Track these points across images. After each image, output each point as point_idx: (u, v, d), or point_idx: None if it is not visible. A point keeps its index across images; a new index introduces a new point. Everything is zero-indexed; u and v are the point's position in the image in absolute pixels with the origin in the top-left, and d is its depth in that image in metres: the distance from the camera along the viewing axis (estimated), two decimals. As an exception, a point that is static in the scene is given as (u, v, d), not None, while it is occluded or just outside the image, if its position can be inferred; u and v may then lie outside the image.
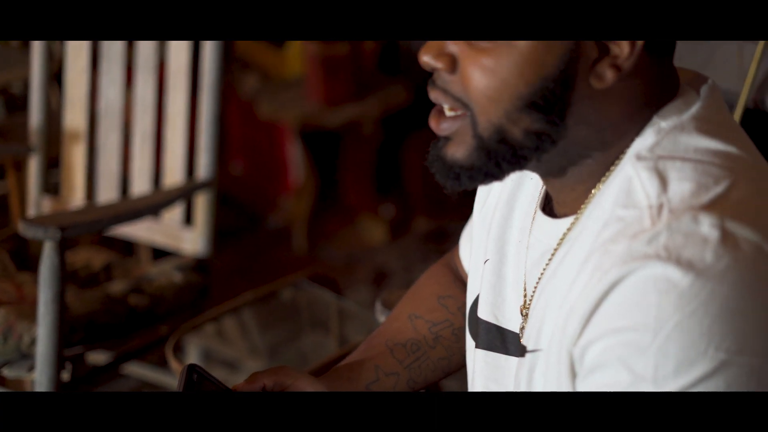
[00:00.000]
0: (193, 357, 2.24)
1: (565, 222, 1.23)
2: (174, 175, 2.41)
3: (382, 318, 1.79)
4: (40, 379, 2.04)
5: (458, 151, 1.18)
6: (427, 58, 1.18)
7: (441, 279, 1.59)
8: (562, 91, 1.14)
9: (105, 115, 2.49)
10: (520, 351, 1.27)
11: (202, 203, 2.39)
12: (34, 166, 2.58)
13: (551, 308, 1.19)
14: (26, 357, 2.10)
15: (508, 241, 1.35)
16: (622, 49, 1.13)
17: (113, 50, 2.46)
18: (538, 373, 1.20)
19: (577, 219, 1.21)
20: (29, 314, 2.12)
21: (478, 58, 1.15)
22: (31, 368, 2.09)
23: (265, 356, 2.11)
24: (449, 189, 1.21)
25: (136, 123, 2.46)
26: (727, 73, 1.93)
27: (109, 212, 2.17)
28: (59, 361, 2.04)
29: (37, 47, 2.54)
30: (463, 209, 3.93)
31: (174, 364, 2.06)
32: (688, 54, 1.99)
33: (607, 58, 1.14)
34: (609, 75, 1.14)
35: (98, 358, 2.25)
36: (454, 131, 1.18)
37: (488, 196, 1.44)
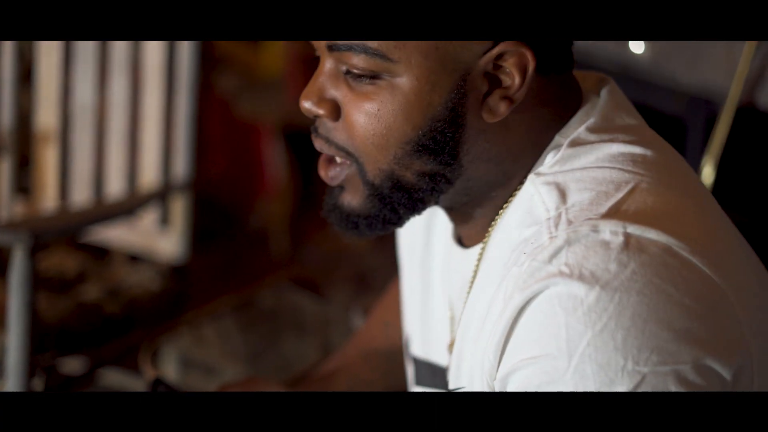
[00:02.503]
0: (170, 364, 2.17)
1: (474, 251, 1.16)
2: (150, 175, 2.34)
3: (359, 322, 1.74)
4: (10, 388, 1.96)
5: (354, 200, 1.13)
6: (308, 105, 1.11)
7: None
8: (453, 130, 1.07)
9: (79, 114, 2.42)
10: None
11: (179, 206, 2.32)
12: (5, 168, 2.50)
13: (468, 342, 1.12)
14: (-6, 365, 2.04)
15: (431, 270, 1.28)
16: (513, 79, 1.06)
17: (86, 48, 2.39)
18: None
19: (484, 247, 1.14)
20: (2, 321, 2.05)
21: (361, 103, 1.07)
22: (1, 377, 2.02)
23: (244, 362, 2.04)
24: (349, 238, 1.17)
25: (111, 122, 2.39)
26: (716, 70, 1.90)
27: (82, 216, 2.10)
28: (30, 370, 1.97)
29: (7, 46, 2.46)
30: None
31: (149, 373, 1.99)
32: (676, 52, 1.95)
33: (498, 90, 1.07)
34: (502, 107, 1.07)
35: (73, 366, 2.18)
36: (344, 179, 1.13)
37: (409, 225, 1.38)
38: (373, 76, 1.06)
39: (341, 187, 1.14)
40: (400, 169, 1.09)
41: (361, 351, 1.46)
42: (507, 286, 1.03)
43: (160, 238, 2.34)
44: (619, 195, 1.04)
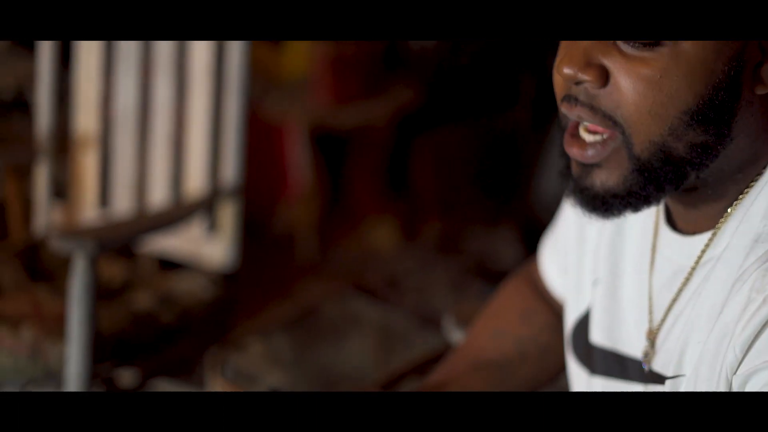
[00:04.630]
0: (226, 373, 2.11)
1: (700, 239, 1.12)
2: (196, 181, 2.27)
3: (454, 334, 1.69)
4: (70, 401, 1.90)
5: (611, 178, 1.07)
6: (569, 70, 1.05)
7: (523, 293, 1.49)
8: (731, 100, 1.04)
9: (121, 117, 2.35)
10: (644, 377, 1.17)
11: (229, 212, 2.26)
12: (42, 173, 2.43)
13: (696, 331, 1.09)
14: (51, 376, 1.97)
15: (622, 259, 1.24)
16: None
17: (129, 49, 2.32)
18: None
19: (715, 235, 1.10)
20: (54, 331, 1.98)
21: (639, 69, 1.03)
22: (59, 388, 1.96)
23: (305, 376, 1.99)
24: (596, 219, 1.11)
25: (155, 126, 2.32)
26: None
27: (144, 223, 2.04)
28: (91, 381, 1.91)
29: (45, 47, 2.39)
30: (476, 212, 3.86)
31: (218, 382, 1.93)
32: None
33: None
34: None
35: (125, 377, 2.12)
36: (605, 158, 1.07)
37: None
38: (656, 43, 1.02)
39: (592, 166, 1.08)
40: (673, 141, 1.04)
41: (471, 362, 1.40)
42: (763, 281, 1.01)
43: (208, 245, 2.27)
44: None
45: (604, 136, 1.07)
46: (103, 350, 2.00)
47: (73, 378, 1.90)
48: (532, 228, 3.15)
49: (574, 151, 1.08)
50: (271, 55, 3.57)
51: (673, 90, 1.02)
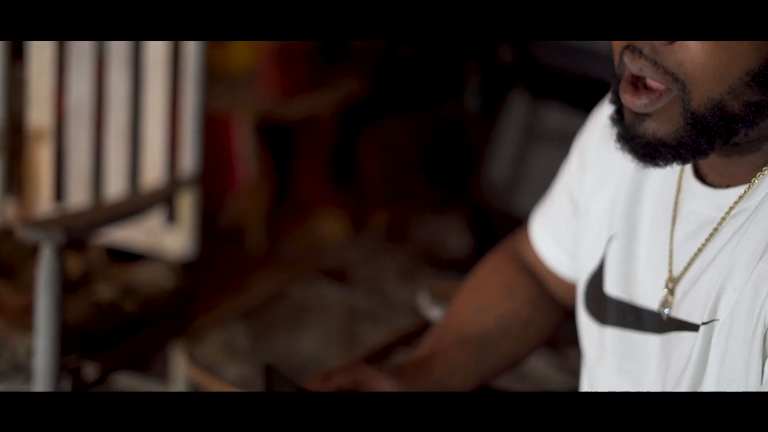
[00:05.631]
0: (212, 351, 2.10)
1: (734, 191, 1.16)
2: (153, 172, 2.28)
3: (430, 310, 1.71)
4: (38, 390, 1.90)
5: (662, 128, 1.10)
6: None
7: (505, 268, 1.52)
8: None
9: (75, 111, 2.34)
10: (661, 327, 1.21)
11: (188, 201, 2.26)
12: (-6, 168, 2.41)
13: (732, 278, 1.12)
14: (19, 369, 1.96)
15: (640, 215, 1.27)
16: None
17: (82, 42, 2.31)
18: (714, 344, 1.13)
19: (749, 188, 1.15)
20: (19, 324, 1.98)
21: None
22: (27, 381, 1.95)
23: (273, 359, 2.00)
24: (642, 166, 1.14)
25: (110, 118, 2.32)
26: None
27: (110, 212, 2.04)
28: (59, 372, 1.91)
29: (-3, 43, 2.37)
30: (423, 201, 3.87)
31: (187, 368, 1.94)
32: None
33: None
34: None
35: (89, 369, 2.12)
36: (657, 109, 1.10)
37: (584, 176, 1.37)
38: None
39: (644, 115, 1.11)
40: (731, 99, 1.07)
41: (454, 337, 1.44)
42: None
43: (167, 235, 2.28)
44: None
45: (662, 88, 1.09)
46: (69, 342, 2.00)
47: (42, 370, 1.89)
48: (480, 216, 3.19)
49: (627, 98, 1.11)
50: (216, 49, 3.57)
51: (738, 51, 1.05)
